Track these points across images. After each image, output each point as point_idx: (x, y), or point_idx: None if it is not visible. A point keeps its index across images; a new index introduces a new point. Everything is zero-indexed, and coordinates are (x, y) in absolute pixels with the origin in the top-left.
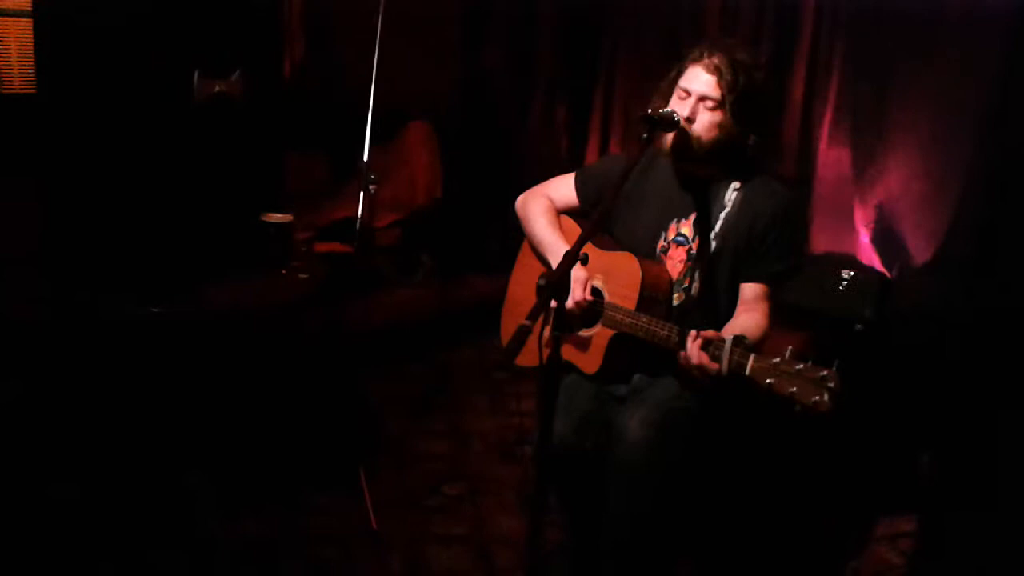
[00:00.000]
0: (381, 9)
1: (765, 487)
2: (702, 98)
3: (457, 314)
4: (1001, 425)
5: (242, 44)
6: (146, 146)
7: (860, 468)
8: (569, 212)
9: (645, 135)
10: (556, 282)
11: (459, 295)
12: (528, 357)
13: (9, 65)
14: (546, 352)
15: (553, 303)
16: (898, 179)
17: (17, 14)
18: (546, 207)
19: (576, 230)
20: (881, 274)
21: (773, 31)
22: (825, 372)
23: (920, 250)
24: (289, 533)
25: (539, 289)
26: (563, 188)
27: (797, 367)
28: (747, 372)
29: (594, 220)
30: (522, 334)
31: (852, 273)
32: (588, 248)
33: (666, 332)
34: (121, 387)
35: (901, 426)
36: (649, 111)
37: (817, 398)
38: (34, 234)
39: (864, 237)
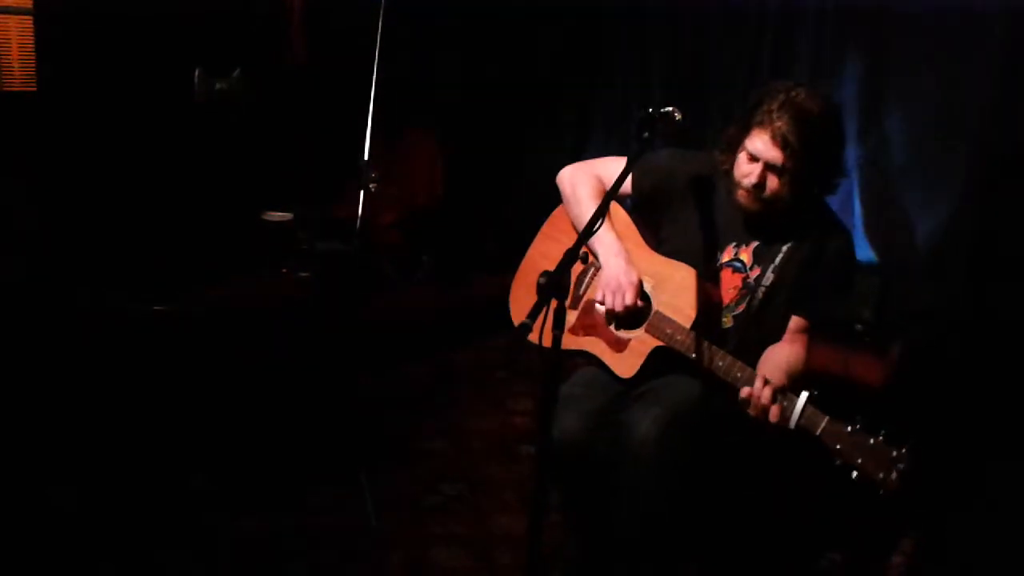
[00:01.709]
0: (383, 7)
1: (768, 489)
2: (770, 166)
3: (457, 314)
4: (1002, 426)
5: (243, 42)
6: (147, 144)
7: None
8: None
9: (646, 134)
10: (557, 280)
11: (460, 295)
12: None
13: (10, 62)
14: (549, 336)
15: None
16: (898, 180)
17: (18, 11)
18: (596, 189)
19: (621, 214)
20: (881, 275)
21: (774, 33)
22: (896, 453)
23: (920, 251)
24: (289, 532)
25: (539, 288)
26: (614, 171)
27: (870, 440)
28: (817, 432)
29: (596, 212)
30: (521, 333)
31: None
32: (639, 247)
33: (727, 364)
34: (122, 385)
35: (902, 428)
36: (650, 110)
37: (883, 475)
38: (35, 232)
39: (863, 238)
